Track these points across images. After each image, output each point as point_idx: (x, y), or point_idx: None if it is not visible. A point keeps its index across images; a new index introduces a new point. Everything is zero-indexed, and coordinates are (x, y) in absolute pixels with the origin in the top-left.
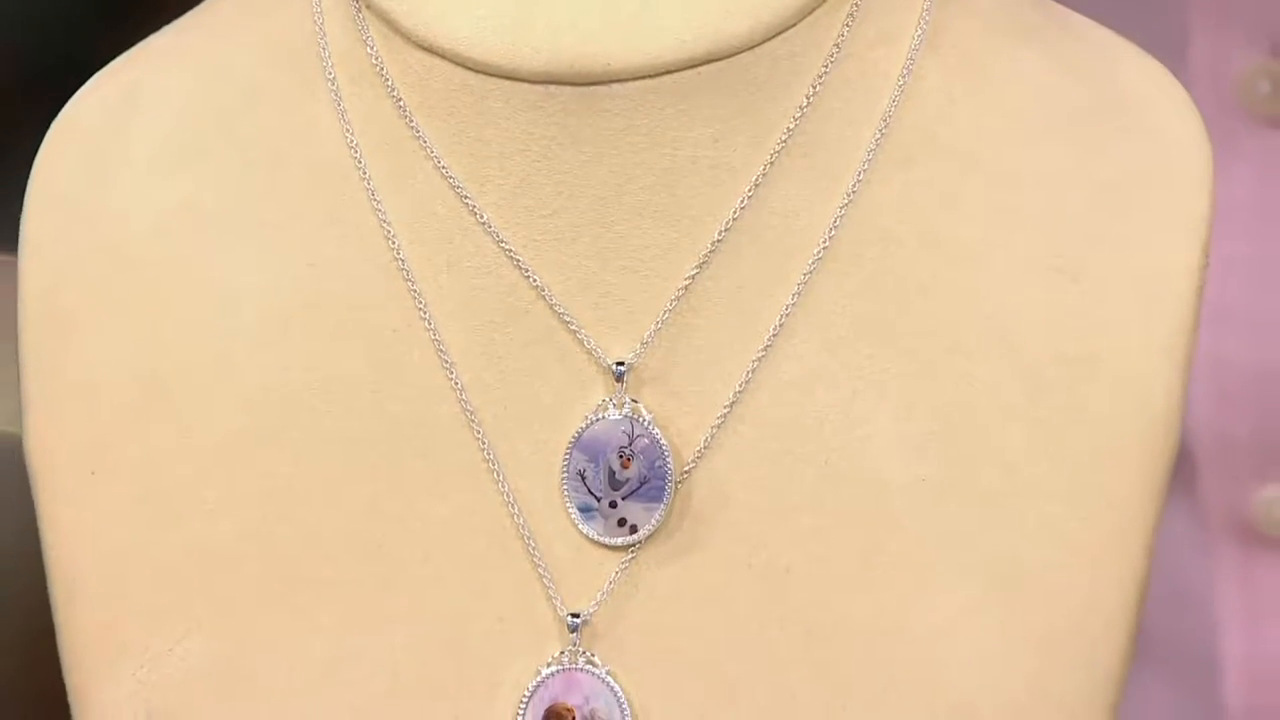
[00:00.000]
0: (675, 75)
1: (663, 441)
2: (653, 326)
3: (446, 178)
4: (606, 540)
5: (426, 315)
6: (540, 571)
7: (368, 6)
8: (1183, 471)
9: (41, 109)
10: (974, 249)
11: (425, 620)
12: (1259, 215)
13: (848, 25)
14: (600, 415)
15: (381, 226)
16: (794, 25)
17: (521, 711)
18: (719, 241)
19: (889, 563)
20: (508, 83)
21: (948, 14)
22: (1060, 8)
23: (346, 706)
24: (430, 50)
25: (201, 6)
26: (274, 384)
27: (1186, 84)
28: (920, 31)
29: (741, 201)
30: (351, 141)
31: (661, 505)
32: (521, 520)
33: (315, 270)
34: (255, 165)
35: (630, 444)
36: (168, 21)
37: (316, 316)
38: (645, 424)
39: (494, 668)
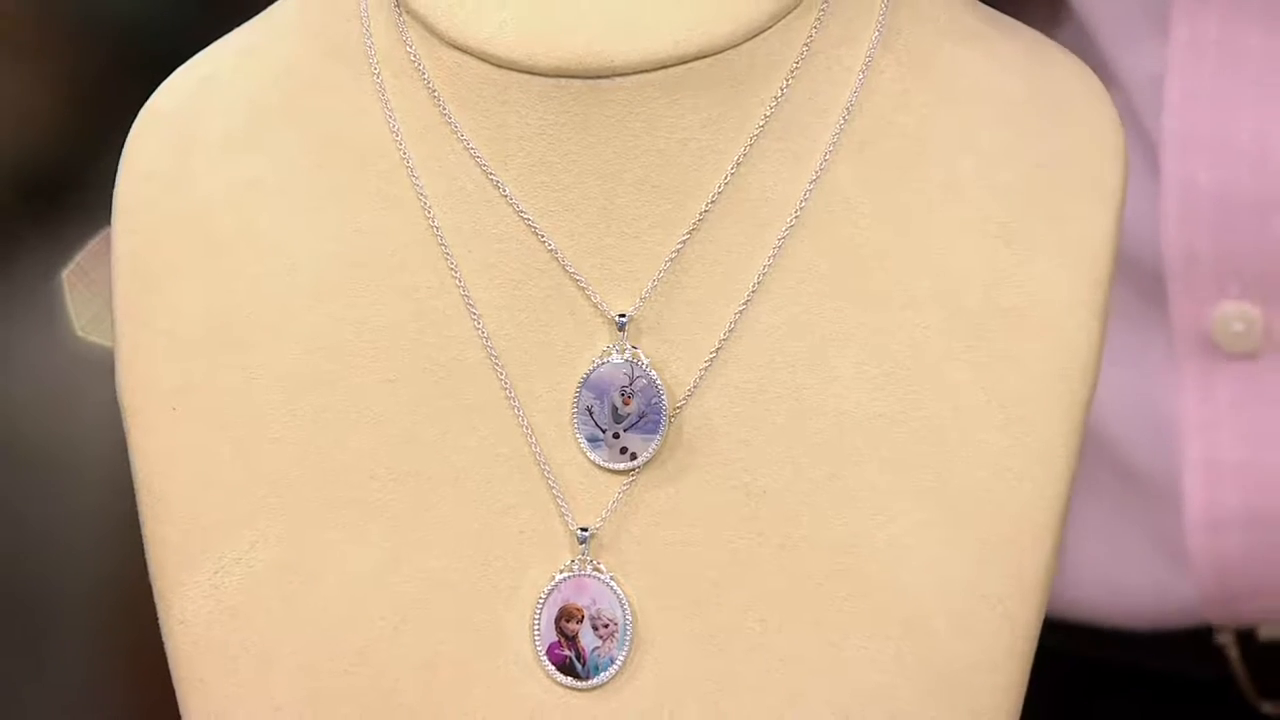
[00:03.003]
0: (669, 70)
1: (659, 382)
2: (650, 284)
3: (474, 158)
4: (610, 466)
5: (457, 275)
6: (554, 492)
7: (407, 11)
8: (1155, 292)
9: (144, 94)
10: (924, 218)
11: (456, 533)
12: (1222, 53)
13: (815, 28)
14: (605, 360)
15: (419, 200)
16: (770, 27)
17: (538, 611)
18: (706, 212)
19: (850, 485)
20: (526, 76)
21: (900, 18)
22: (995, 12)
23: (389, 606)
24: (460, 49)
25: (267, 11)
26: (328, 332)
27: None
28: (878, 33)
29: (725, 178)
30: (393, 127)
31: (658, 436)
32: (538, 449)
33: (363, 236)
34: (312, 147)
35: (631, 384)
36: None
37: (364, 275)
38: (644, 367)
39: (514, 574)
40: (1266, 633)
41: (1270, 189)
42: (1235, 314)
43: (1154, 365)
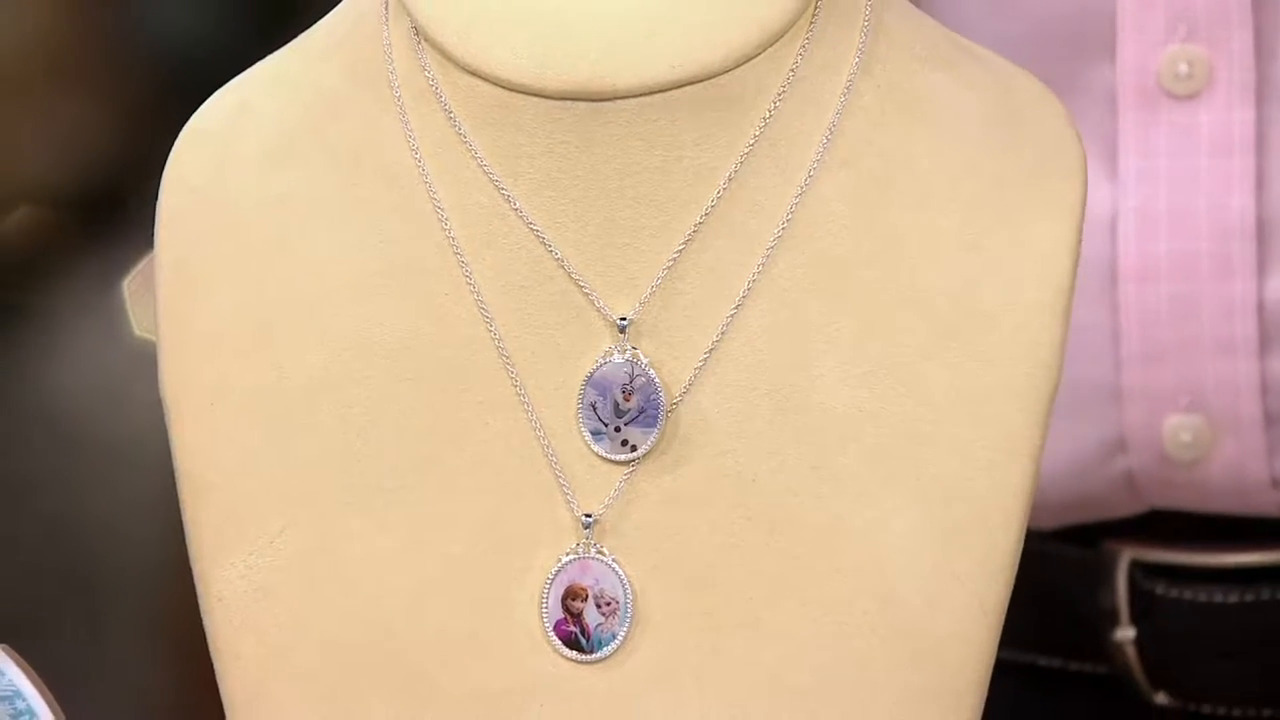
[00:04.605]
0: (666, 93)
1: (656, 380)
2: (649, 290)
3: (487, 174)
4: (613, 457)
5: (471, 281)
6: (560, 482)
7: (425, 39)
8: (1105, 38)
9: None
10: (901, 229)
11: (470, 520)
12: None
13: (800, 55)
14: (607, 359)
15: (436, 212)
16: (759, 54)
17: (546, 591)
18: (700, 224)
19: (832, 474)
20: (535, 99)
21: (879, 46)
22: (967, 41)
23: (408, 587)
24: (475, 74)
25: (297, 39)
26: (352, 334)
27: None
28: (858, 59)
29: (718, 193)
30: (413, 146)
31: (656, 430)
32: (546, 442)
33: (385, 246)
34: (338, 163)
35: (631, 382)
36: None
37: (386, 282)
38: (643, 366)
39: (524, 556)
40: (1174, 444)
41: None
42: (1182, 55)
43: (1095, 106)
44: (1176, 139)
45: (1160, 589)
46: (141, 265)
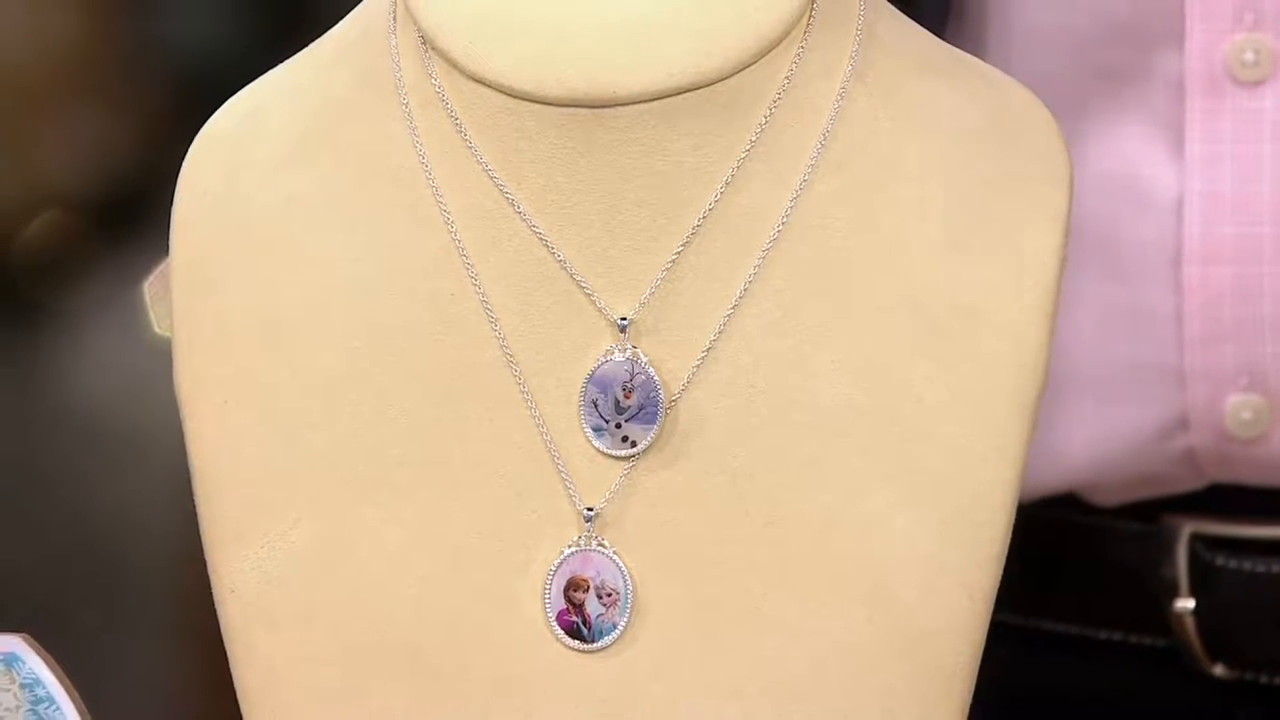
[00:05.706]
0: (665, 100)
1: (656, 378)
2: (648, 291)
3: (492, 179)
4: (613, 452)
5: (477, 282)
6: (563, 476)
7: (432, 47)
8: (1171, 27)
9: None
10: (892, 231)
11: (476, 513)
12: None
13: (795, 63)
14: (608, 358)
15: (443, 216)
16: (755, 62)
17: (548, 582)
18: (698, 227)
19: (826, 470)
20: (538, 106)
21: (872, 53)
22: (959, 51)
23: (415, 577)
24: (480, 81)
25: (308, 48)
26: (362, 332)
27: None
28: (851, 67)
29: (715, 196)
30: (420, 151)
31: (655, 426)
32: (549, 438)
33: (393, 249)
34: (348, 168)
35: (631, 379)
36: None
37: (394, 282)
38: (643, 364)
39: (528, 549)
40: (1235, 422)
41: None
42: (1249, 44)
43: (1164, 93)
44: (1241, 125)
45: (1220, 560)
46: (161, 267)
